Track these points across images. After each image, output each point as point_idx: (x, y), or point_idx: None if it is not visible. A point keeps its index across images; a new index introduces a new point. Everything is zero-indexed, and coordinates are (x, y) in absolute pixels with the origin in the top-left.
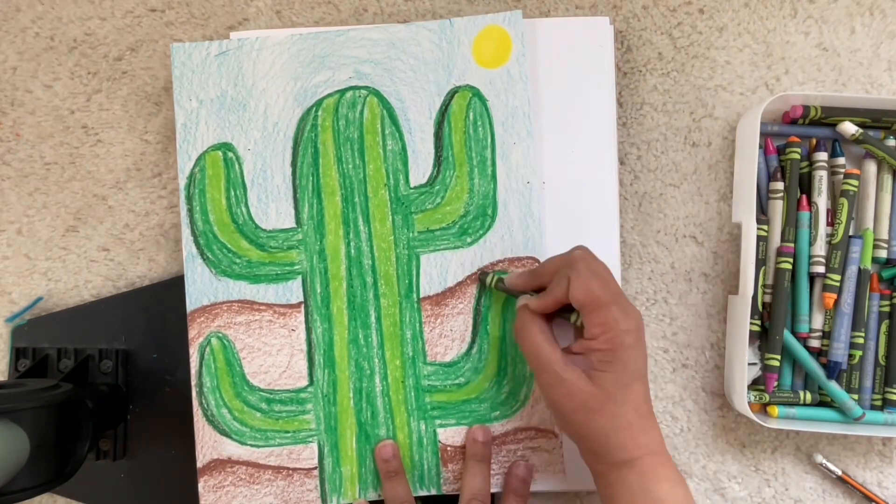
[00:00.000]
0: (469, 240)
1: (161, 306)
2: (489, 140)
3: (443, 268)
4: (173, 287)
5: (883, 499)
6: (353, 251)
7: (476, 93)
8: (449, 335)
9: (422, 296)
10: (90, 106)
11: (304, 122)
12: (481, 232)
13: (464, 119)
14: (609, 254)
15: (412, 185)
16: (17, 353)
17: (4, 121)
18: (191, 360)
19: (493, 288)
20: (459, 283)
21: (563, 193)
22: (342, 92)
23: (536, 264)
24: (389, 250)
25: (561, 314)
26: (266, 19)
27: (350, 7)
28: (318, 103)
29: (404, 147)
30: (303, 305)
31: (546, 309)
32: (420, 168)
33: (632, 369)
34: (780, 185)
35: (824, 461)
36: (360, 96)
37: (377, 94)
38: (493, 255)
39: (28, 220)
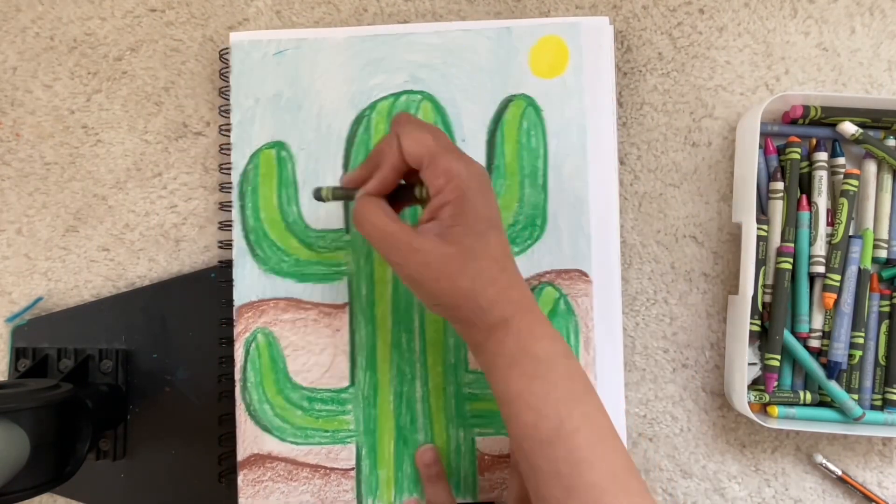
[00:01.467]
0: (517, 249)
1: (161, 306)
2: (542, 150)
3: None
4: (173, 287)
5: (883, 499)
6: None
7: (531, 102)
8: None
9: None
10: (90, 106)
11: (358, 125)
12: (529, 242)
13: (517, 128)
14: (610, 254)
15: None
16: (17, 353)
17: (4, 121)
18: (236, 354)
19: (331, 199)
20: None
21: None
22: (397, 96)
23: (584, 278)
24: None
25: (404, 198)
26: (266, 19)
27: (350, 7)
28: (373, 106)
29: None
30: (348, 306)
31: (385, 184)
32: None
33: (484, 217)
34: (780, 185)
35: (824, 461)
36: (414, 101)
37: (431, 99)
38: (539, 265)
39: (28, 220)
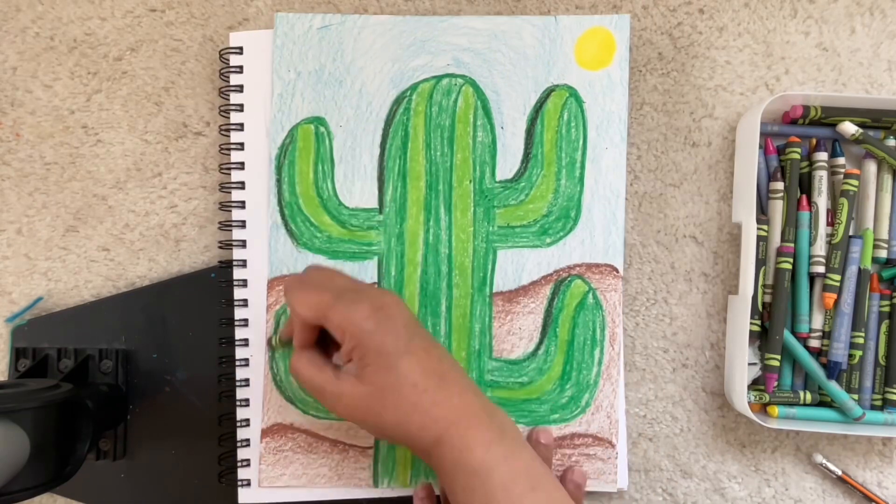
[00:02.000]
0: (548, 240)
1: (161, 306)
2: (581, 142)
3: (519, 265)
4: (173, 287)
5: (883, 499)
6: (431, 238)
7: (573, 93)
8: (517, 333)
9: (494, 291)
10: (90, 106)
11: (398, 105)
12: (562, 234)
13: (558, 118)
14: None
15: (497, 180)
16: (17, 353)
17: (4, 121)
18: (265, 325)
19: (279, 347)
20: (534, 283)
21: None
22: (438, 78)
23: (615, 273)
24: (467, 241)
25: (332, 341)
26: (266, 19)
27: (350, 7)
28: (414, 87)
29: (494, 140)
30: (376, 286)
31: (304, 341)
32: (507, 163)
33: (388, 351)
34: (780, 185)
35: (824, 461)
36: (455, 84)
37: (473, 83)
38: (570, 258)
39: (28, 220)
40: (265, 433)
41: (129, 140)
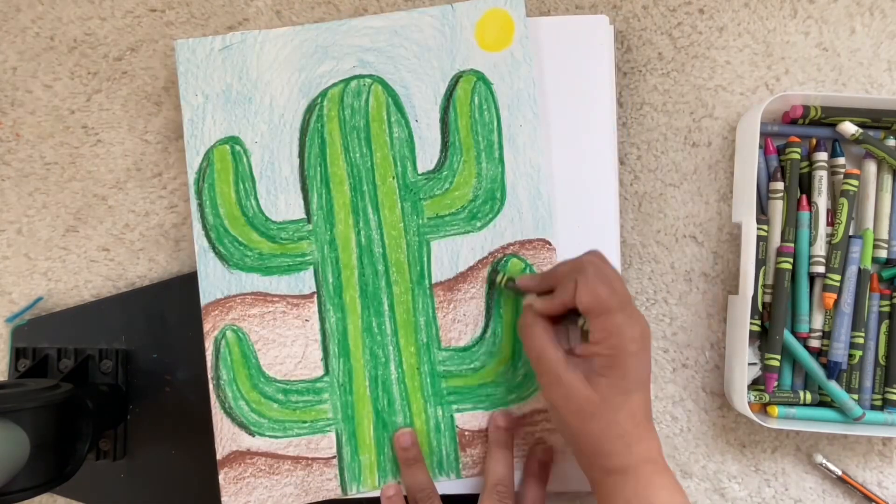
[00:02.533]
0: (479, 224)
1: (161, 306)
2: (495, 124)
3: (454, 253)
4: (173, 287)
5: (883, 499)
6: (363, 240)
7: (480, 77)
8: (462, 320)
9: (434, 282)
10: (90, 106)
11: (310, 113)
12: (491, 216)
13: (469, 104)
14: (609, 254)
15: (420, 172)
16: (17, 353)
17: (4, 121)
18: (206, 353)
19: (502, 288)
20: (471, 268)
21: (564, 193)
22: (347, 81)
23: (548, 247)
24: (400, 237)
25: (569, 318)
26: (266, 19)
27: (350, 7)
28: (323, 93)
29: (410, 134)
30: (315, 296)
31: (551, 311)
32: (427, 154)
33: (633, 378)
34: (780, 185)
35: (824, 461)
36: (364, 85)
37: (381, 81)
38: (503, 238)
39: (28, 220)
40: (222, 463)
41: (129, 140)
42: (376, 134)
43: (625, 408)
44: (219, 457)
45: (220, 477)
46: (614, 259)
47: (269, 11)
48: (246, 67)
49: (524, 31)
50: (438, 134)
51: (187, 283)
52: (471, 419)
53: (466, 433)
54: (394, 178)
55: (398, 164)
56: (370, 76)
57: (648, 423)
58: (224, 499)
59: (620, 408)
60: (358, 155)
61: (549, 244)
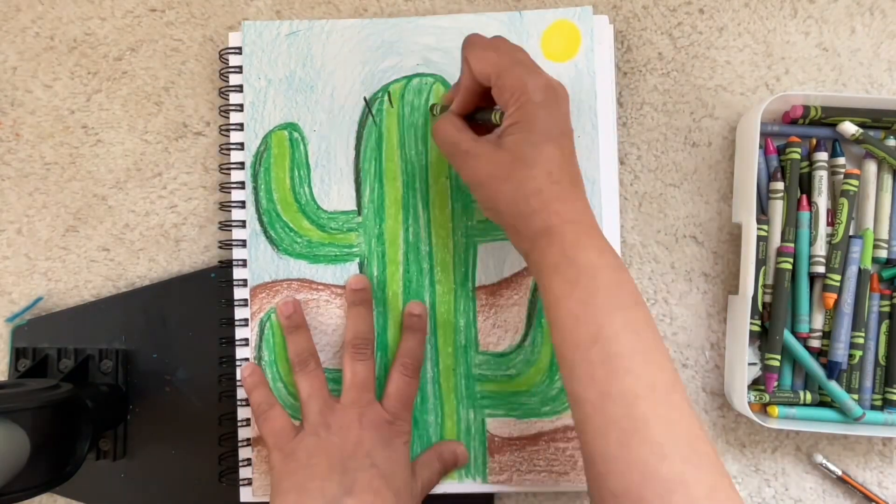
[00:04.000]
0: None
1: (161, 306)
2: None
3: (500, 258)
4: (173, 287)
5: (883, 499)
6: (411, 237)
7: None
8: (502, 326)
9: (477, 285)
10: (90, 106)
11: (370, 106)
12: None
13: None
14: None
15: None
16: (17, 353)
17: (4, 121)
18: (251, 334)
19: (437, 114)
20: (516, 275)
21: None
22: (409, 78)
23: None
24: (447, 238)
25: (482, 117)
26: (266, 19)
27: (350, 7)
28: (385, 88)
29: None
30: None
31: (463, 105)
32: None
33: (542, 129)
34: (780, 185)
35: (824, 461)
36: (426, 83)
37: (443, 82)
38: None
39: (28, 220)
40: (256, 441)
41: (129, 140)
42: None
43: (538, 163)
44: (253, 435)
45: (253, 455)
46: None
47: (269, 11)
48: (311, 55)
49: (590, 44)
50: None
51: (187, 283)
52: (502, 425)
53: (496, 439)
54: (447, 178)
55: None
56: (432, 75)
57: (573, 186)
58: (255, 475)
59: (533, 163)
60: (413, 152)
61: None
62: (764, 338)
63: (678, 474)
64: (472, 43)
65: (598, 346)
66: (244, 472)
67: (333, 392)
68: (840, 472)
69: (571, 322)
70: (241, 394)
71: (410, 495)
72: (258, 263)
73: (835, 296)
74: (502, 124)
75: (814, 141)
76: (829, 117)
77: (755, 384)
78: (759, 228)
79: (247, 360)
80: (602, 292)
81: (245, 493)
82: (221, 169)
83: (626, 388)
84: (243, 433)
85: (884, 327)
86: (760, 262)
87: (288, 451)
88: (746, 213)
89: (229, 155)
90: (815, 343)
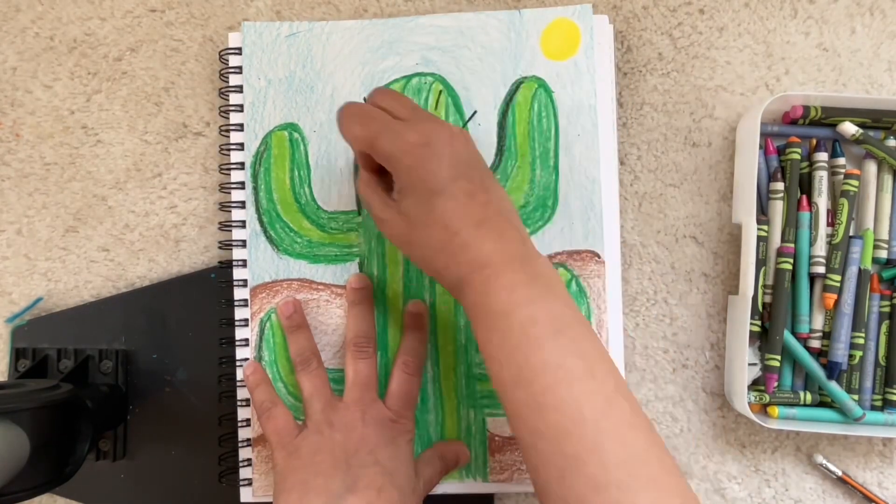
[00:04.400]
0: (528, 231)
1: (161, 306)
2: (553, 132)
3: None
4: (173, 287)
5: (883, 499)
6: None
7: (542, 84)
8: None
9: None
10: (90, 106)
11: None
12: (540, 223)
13: (528, 110)
14: (609, 254)
15: None
16: (17, 354)
17: (4, 121)
18: (251, 334)
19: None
20: None
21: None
22: (408, 78)
23: (596, 259)
24: None
25: None
26: (266, 19)
27: (350, 7)
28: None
29: None
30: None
31: (359, 160)
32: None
33: (425, 187)
34: (780, 186)
35: (824, 461)
36: (425, 83)
37: (443, 81)
38: (551, 247)
39: (28, 220)
40: (256, 442)
41: (129, 140)
42: None
43: (431, 221)
44: (253, 435)
45: (253, 455)
46: (614, 259)
47: (269, 11)
48: (311, 56)
49: (590, 42)
50: (495, 138)
51: (187, 283)
52: (502, 424)
53: (497, 438)
54: None
55: None
56: (432, 74)
57: (476, 228)
58: (255, 476)
59: (427, 223)
60: None
61: (598, 256)
62: (764, 338)
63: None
64: (342, 114)
65: (521, 387)
66: (244, 473)
67: (335, 391)
68: (840, 473)
69: (496, 367)
70: (241, 394)
71: (413, 493)
72: (258, 263)
73: (835, 296)
74: (395, 187)
75: (814, 141)
76: (829, 117)
77: (755, 384)
78: (759, 229)
79: (247, 360)
80: (516, 333)
81: (245, 494)
82: (221, 169)
83: (553, 426)
84: (243, 433)
85: (884, 328)
86: (760, 263)
87: (291, 448)
88: (746, 214)
89: (229, 155)
90: (815, 343)
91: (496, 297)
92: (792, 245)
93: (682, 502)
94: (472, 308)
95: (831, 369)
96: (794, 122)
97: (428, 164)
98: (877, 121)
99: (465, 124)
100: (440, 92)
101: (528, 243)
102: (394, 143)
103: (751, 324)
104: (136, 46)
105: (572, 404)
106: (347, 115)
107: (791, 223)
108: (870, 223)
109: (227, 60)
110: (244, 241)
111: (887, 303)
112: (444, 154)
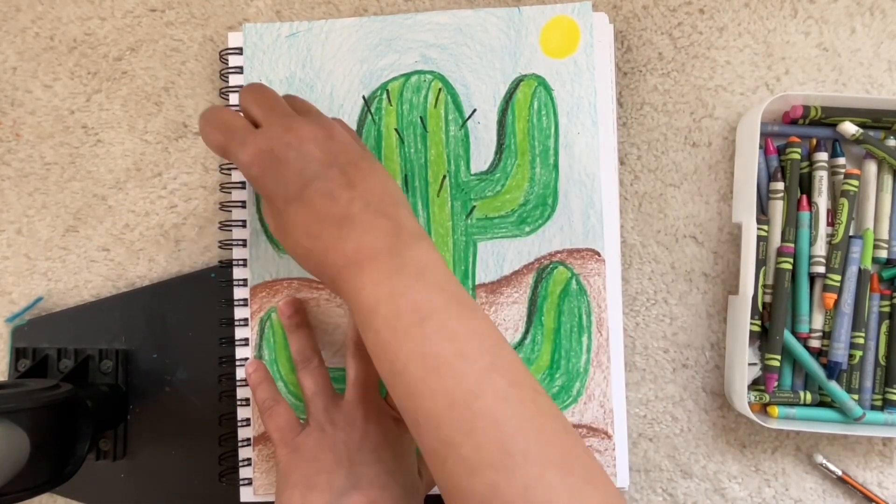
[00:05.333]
0: (528, 229)
1: (161, 306)
2: (553, 129)
3: (499, 256)
4: (173, 287)
5: (883, 499)
6: None
7: (542, 82)
8: (502, 324)
9: (477, 283)
10: (90, 106)
11: (369, 105)
12: (540, 221)
13: (528, 108)
14: (609, 254)
15: (472, 172)
16: (17, 353)
17: (4, 121)
18: (251, 333)
19: None
20: (516, 273)
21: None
22: (408, 76)
23: (597, 257)
24: (447, 236)
25: None
26: (266, 19)
27: (350, 7)
28: (383, 86)
29: (466, 133)
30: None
31: None
32: (481, 155)
33: (276, 197)
34: (780, 186)
35: (824, 461)
36: (424, 81)
37: (442, 79)
38: (551, 245)
39: (28, 220)
40: (257, 441)
41: (129, 140)
42: (432, 131)
43: (291, 228)
44: (254, 434)
45: (254, 454)
46: (614, 259)
47: (269, 11)
48: (310, 56)
49: (589, 40)
50: (494, 136)
51: (187, 283)
52: None
53: None
54: (446, 176)
55: (452, 162)
56: (431, 72)
57: (339, 227)
58: (256, 475)
59: (289, 230)
60: (412, 150)
61: (599, 255)
62: (764, 338)
63: (489, 485)
64: (202, 117)
65: (397, 381)
66: (244, 472)
67: (336, 391)
68: (840, 473)
69: (376, 363)
70: (241, 394)
71: (416, 491)
72: (258, 263)
73: (835, 296)
74: None
75: (814, 141)
76: (829, 117)
77: (755, 384)
78: (759, 228)
79: (247, 359)
80: (384, 329)
81: (245, 493)
82: (221, 169)
83: (427, 415)
84: (243, 433)
85: (884, 327)
86: (760, 263)
87: (294, 446)
88: (746, 214)
89: None
90: (815, 343)
91: (364, 295)
92: (792, 245)
93: (560, 472)
94: (349, 308)
95: (831, 369)
96: (794, 122)
97: (274, 173)
98: (877, 121)
99: (464, 123)
100: (440, 90)
101: (403, 231)
102: (238, 153)
103: (751, 324)
104: (136, 46)
105: (441, 391)
106: (203, 122)
107: (791, 223)
108: (870, 223)
109: (228, 60)
110: (244, 241)
111: (887, 303)
112: (290, 160)
